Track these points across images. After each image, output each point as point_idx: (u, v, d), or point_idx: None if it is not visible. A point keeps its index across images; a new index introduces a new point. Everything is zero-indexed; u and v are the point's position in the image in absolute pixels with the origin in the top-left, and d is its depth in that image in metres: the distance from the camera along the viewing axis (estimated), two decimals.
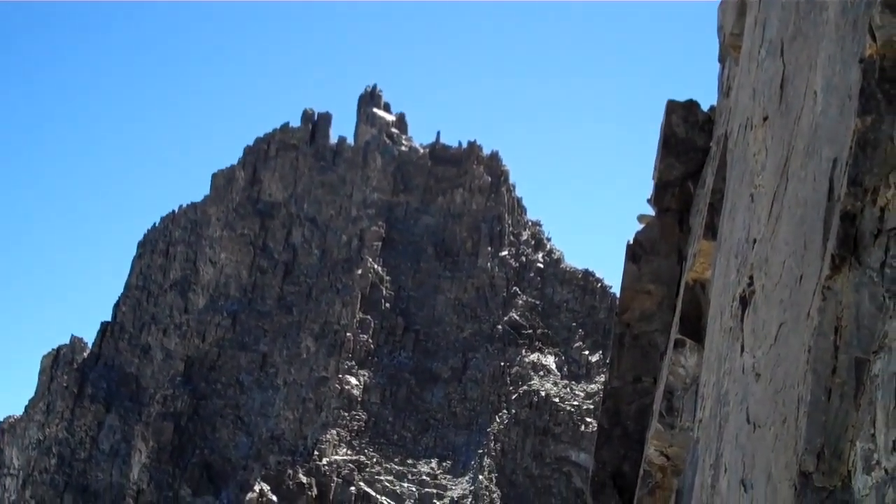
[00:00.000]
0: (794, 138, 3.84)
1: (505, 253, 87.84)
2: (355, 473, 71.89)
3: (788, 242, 3.68)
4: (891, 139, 3.02)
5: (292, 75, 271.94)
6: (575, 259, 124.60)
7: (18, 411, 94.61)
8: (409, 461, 74.09)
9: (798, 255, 3.50)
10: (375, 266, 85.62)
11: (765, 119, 4.54)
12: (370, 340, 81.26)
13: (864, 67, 3.08)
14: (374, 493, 70.97)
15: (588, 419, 69.25)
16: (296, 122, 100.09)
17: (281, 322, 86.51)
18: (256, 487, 71.18)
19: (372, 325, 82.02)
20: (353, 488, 70.92)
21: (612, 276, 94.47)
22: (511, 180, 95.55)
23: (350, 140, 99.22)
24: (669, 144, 7.94)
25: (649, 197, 8.13)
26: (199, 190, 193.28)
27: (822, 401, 3.05)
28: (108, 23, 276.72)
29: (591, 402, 71.12)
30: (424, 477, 72.66)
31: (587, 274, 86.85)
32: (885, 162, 3.02)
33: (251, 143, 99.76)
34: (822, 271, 3.16)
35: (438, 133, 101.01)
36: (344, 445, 74.86)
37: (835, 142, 3.26)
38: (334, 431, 75.37)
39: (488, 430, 73.66)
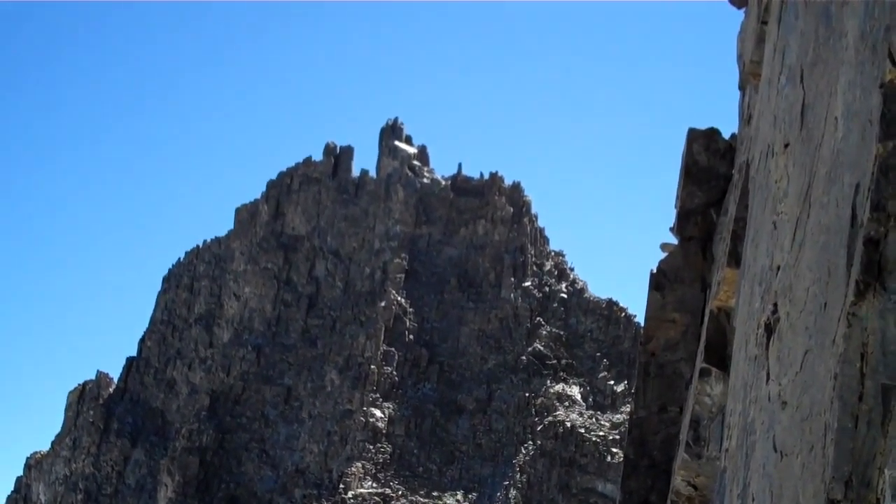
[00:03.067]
0: (815, 164, 3.84)
1: (528, 283, 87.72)
2: None
3: (812, 269, 3.67)
4: None
5: (314, 109, 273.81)
6: (598, 289, 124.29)
7: (45, 447, 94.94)
8: (435, 493, 73.74)
9: (822, 281, 3.48)
10: (399, 298, 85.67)
11: (786, 146, 4.53)
12: (394, 372, 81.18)
13: (885, 92, 3.08)
14: None
15: (614, 449, 68.77)
16: (318, 156, 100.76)
17: (305, 355, 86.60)
18: None
19: (396, 357, 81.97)
20: None
21: (636, 305, 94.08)
22: (533, 211, 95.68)
23: (372, 173, 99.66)
24: (691, 173, 7.92)
25: (672, 225, 8.10)
26: (222, 224, 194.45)
27: (850, 428, 3.03)
28: (131, 56, 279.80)
29: (616, 432, 70.64)
30: None
31: (611, 303, 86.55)
32: None
33: (274, 177, 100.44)
34: (846, 297, 3.14)
35: (460, 165, 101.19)
36: (369, 478, 74.63)
37: (856, 167, 3.25)
38: (359, 464, 75.19)
39: (514, 461, 73.26)
